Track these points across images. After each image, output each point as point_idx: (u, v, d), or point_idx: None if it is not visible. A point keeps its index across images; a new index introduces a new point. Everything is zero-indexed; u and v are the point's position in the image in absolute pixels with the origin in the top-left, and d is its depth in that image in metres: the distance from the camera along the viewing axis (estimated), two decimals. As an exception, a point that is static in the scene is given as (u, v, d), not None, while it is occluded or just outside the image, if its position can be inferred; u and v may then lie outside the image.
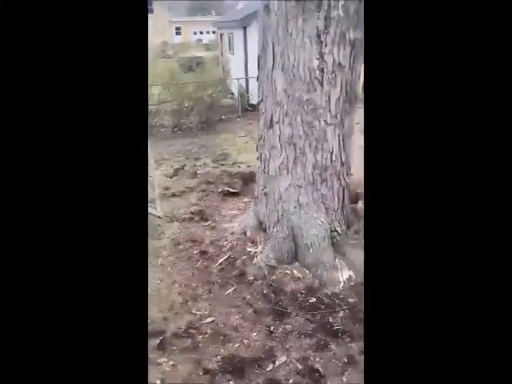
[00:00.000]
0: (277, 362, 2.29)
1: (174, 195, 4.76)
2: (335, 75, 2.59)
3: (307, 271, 3.09)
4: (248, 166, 5.73)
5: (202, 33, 31.37)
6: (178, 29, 31.62)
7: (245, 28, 9.16)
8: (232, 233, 3.65)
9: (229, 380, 2.19)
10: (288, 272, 3.10)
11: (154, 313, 2.68)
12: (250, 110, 9.09)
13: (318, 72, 2.56)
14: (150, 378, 2.19)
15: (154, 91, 8.56)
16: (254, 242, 3.44)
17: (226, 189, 4.81)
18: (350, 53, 2.55)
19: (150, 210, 4.19)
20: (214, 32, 21.00)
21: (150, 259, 3.33)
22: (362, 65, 2.80)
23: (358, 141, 7.28)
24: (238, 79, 9.47)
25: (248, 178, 5.22)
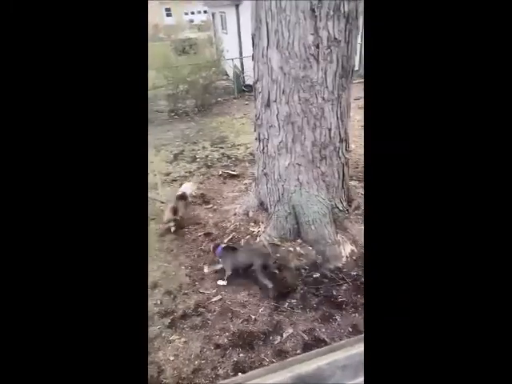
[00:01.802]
0: (284, 335, 2.39)
1: (174, 180, 4.79)
2: (331, 50, 2.56)
3: (310, 247, 3.15)
4: (247, 148, 5.73)
5: (193, 13, 30.48)
6: (167, 10, 30.72)
7: (237, 6, 8.91)
8: (234, 214, 3.70)
9: (239, 353, 2.29)
10: (291, 249, 3.17)
11: (163, 295, 2.77)
12: (245, 90, 8.98)
13: (313, 48, 2.53)
14: (164, 355, 2.29)
15: (149, 76, 8.44)
16: (256, 222, 3.50)
17: (226, 171, 4.84)
18: (345, 26, 2.51)
19: (152, 195, 4.23)
20: (205, 12, 20.39)
21: (156, 244, 3.41)
22: (358, 38, 2.76)
23: (356, 116, 7.14)
24: (232, 59, 9.29)
25: (247, 160, 5.24)
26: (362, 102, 7.78)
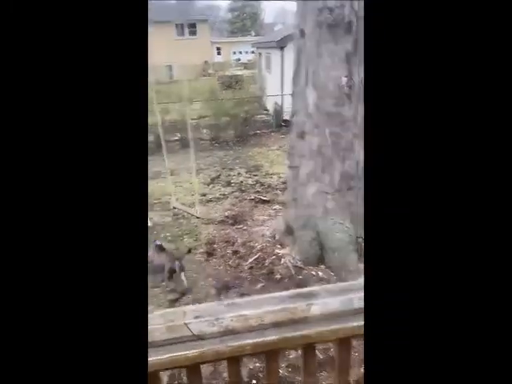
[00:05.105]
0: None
1: (210, 201, 5.14)
2: (362, 91, 2.84)
3: (332, 273, 3.27)
4: (279, 177, 6.02)
5: (240, 52, 32.81)
6: (218, 49, 33.28)
7: (282, 48, 9.63)
8: (262, 235, 3.92)
9: (256, 362, 2.43)
10: (313, 273, 3.31)
11: (190, 300, 3.00)
12: (283, 125, 9.44)
13: (346, 88, 2.83)
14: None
15: (196, 107, 9.27)
16: (282, 245, 3.69)
17: (258, 196, 5.12)
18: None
19: (191, 211, 4.61)
20: (252, 52, 21.96)
21: (187, 256, 3.67)
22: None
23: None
24: (273, 96, 9.90)
25: (279, 188, 5.51)
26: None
